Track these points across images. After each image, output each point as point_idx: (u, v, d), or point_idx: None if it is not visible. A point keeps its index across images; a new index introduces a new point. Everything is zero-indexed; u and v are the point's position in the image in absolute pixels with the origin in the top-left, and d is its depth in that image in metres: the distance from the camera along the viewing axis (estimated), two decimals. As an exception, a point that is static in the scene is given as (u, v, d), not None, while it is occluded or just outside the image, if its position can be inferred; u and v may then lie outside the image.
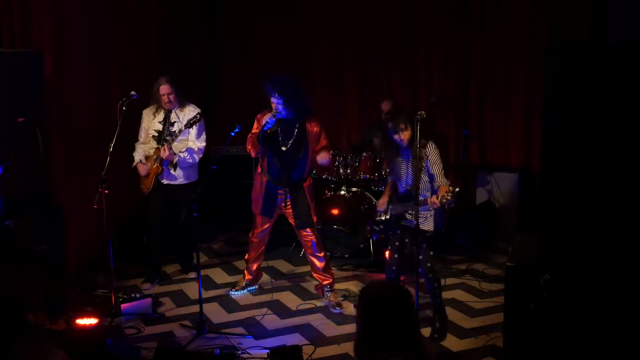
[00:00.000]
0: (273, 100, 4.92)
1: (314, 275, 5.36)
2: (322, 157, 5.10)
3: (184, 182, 5.62)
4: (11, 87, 4.83)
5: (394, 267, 4.81)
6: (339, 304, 5.20)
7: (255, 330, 4.85)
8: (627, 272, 3.39)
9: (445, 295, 5.17)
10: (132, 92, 5.21)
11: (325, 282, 5.30)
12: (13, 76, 4.85)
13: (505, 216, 6.86)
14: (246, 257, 5.58)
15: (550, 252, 3.58)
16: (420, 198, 4.44)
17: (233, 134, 4.91)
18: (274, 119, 4.94)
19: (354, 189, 6.44)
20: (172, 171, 5.54)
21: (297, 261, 6.39)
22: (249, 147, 5.11)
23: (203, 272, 5.94)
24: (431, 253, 4.65)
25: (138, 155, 5.59)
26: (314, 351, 4.50)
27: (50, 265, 4.92)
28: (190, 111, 5.52)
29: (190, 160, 5.55)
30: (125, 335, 4.79)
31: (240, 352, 4.44)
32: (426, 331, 4.64)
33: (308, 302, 5.38)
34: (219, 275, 6.09)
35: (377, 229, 4.88)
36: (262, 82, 4.92)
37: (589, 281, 3.48)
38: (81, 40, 5.88)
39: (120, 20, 6.47)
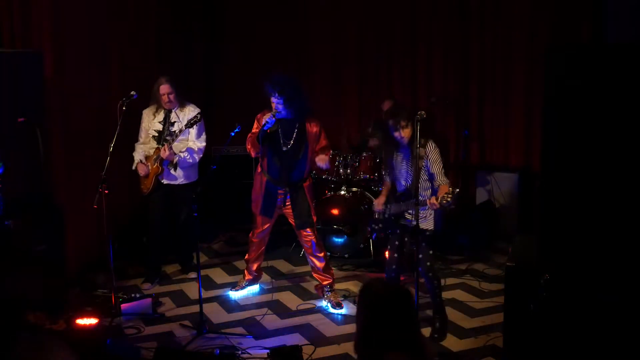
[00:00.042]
0: (273, 100, 4.92)
1: (314, 275, 5.36)
2: (322, 161, 5.05)
3: (184, 182, 5.62)
4: (11, 87, 4.83)
5: (393, 267, 4.81)
6: (339, 304, 5.20)
7: (255, 330, 4.85)
8: (627, 272, 3.39)
9: (445, 295, 5.16)
10: (132, 92, 5.21)
11: (325, 282, 5.30)
12: (13, 76, 4.85)
13: (505, 216, 6.85)
14: (246, 257, 5.58)
15: (550, 252, 3.58)
16: (420, 198, 4.44)
17: (233, 134, 4.91)
18: (274, 118, 4.93)
19: (354, 189, 6.44)
20: (172, 171, 5.54)
21: (297, 261, 6.39)
22: (249, 147, 5.11)
23: (203, 272, 5.94)
24: (431, 252, 4.66)
25: (138, 156, 5.58)
26: (314, 351, 4.50)
27: (50, 265, 4.93)
28: (190, 111, 5.52)
29: (191, 160, 5.55)
30: (125, 335, 4.78)
31: (240, 352, 4.43)
32: (426, 331, 4.64)
33: (308, 302, 5.38)
34: (219, 275, 6.08)
35: (377, 227, 4.88)
36: (262, 82, 4.92)
37: (589, 281, 3.48)
38: (81, 40, 5.88)
39: (120, 20, 6.47)
